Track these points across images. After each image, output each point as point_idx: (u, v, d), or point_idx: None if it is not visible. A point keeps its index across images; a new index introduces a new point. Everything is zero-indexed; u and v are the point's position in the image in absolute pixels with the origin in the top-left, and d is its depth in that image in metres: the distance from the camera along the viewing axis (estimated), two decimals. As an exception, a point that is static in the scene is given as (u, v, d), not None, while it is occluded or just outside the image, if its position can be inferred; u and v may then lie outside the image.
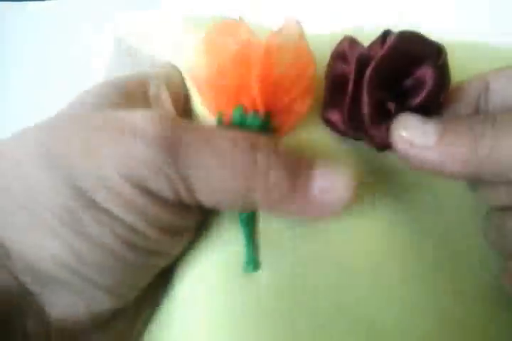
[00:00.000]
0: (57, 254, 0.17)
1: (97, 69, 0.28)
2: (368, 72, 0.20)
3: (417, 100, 0.20)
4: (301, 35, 0.23)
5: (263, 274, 0.18)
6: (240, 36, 0.23)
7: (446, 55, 0.20)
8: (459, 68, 0.21)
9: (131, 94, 0.22)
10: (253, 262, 0.18)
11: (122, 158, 0.17)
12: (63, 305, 0.18)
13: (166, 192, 0.17)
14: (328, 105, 0.23)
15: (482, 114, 0.19)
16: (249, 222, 0.20)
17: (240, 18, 0.24)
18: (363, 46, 0.21)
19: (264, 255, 0.19)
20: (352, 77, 0.21)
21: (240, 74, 0.22)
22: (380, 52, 0.20)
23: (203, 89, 0.23)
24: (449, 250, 0.22)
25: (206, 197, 0.18)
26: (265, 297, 0.18)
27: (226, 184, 0.18)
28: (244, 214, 0.20)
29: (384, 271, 0.21)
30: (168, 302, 0.21)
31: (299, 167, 0.19)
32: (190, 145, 0.17)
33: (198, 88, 0.23)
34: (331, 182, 0.19)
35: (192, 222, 0.20)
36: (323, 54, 0.23)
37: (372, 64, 0.20)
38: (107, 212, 0.17)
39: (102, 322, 0.19)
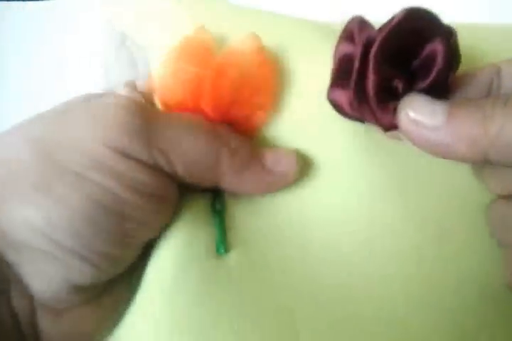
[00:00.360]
0: (29, 217, 0.17)
1: (96, 69, 0.29)
2: (374, 48, 0.19)
3: (427, 80, 0.19)
4: (260, 49, 0.23)
5: (232, 255, 0.20)
6: (198, 57, 0.23)
7: (456, 35, 0.19)
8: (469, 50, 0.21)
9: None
10: (223, 244, 0.20)
11: (102, 127, 0.18)
12: (42, 274, 0.18)
13: (145, 156, 0.19)
14: (334, 86, 0.22)
15: (492, 95, 0.19)
16: (221, 209, 0.22)
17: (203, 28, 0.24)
18: (373, 27, 0.20)
19: (233, 238, 0.21)
20: (358, 58, 0.19)
21: (196, 95, 0.23)
22: (386, 28, 0.19)
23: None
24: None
25: (180, 165, 0.20)
26: (235, 276, 0.20)
27: (195, 150, 0.20)
28: (217, 202, 0.22)
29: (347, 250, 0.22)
30: (142, 281, 0.21)
31: (252, 144, 0.22)
32: (161, 119, 0.20)
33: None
34: (280, 156, 0.22)
35: (171, 194, 0.20)
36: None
37: (378, 40, 0.19)
38: (77, 173, 0.18)
39: (87, 298, 0.20)
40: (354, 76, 0.19)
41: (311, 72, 0.24)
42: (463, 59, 0.20)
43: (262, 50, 0.23)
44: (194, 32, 0.24)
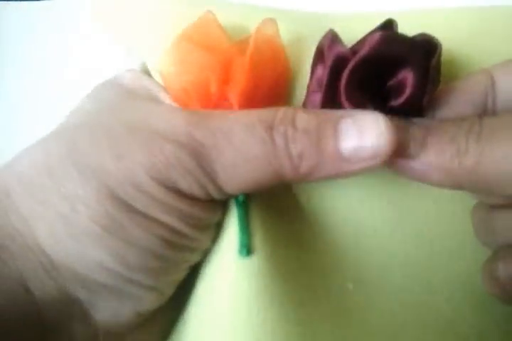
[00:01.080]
0: (103, 261, 0.17)
1: (96, 68, 0.28)
2: (345, 75, 0.18)
3: (397, 103, 0.19)
4: (278, 37, 0.22)
5: (256, 258, 0.19)
6: (212, 42, 0.21)
7: (439, 54, 0.19)
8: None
9: (132, 93, 0.22)
10: (246, 247, 0.19)
11: (152, 162, 0.17)
12: (110, 308, 0.18)
13: (196, 190, 0.18)
14: (306, 106, 0.21)
15: (469, 119, 0.18)
16: (243, 212, 0.20)
17: (211, 14, 0.22)
18: (342, 45, 0.19)
19: (257, 241, 0.20)
20: (325, 82, 0.19)
21: (221, 81, 0.20)
22: (359, 54, 0.18)
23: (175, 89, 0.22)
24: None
25: (234, 188, 0.18)
26: (260, 279, 0.18)
27: (254, 174, 0.18)
28: (239, 205, 0.20)
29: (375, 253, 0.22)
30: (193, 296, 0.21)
31: (321, 130, 0.18)
32: (212, 146, 0.18)
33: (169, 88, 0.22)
34: (359, 136, 0.17)
35: (218, 216, 0.20)
36: None
37: (350, 66, 0.18)
38: (145, 215, 0.17)
39: (145, 319, 0.20)
40: (322, 103, 0.19)
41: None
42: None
43: (279, 37, 0.22)
44: (201, 18, 0.22)
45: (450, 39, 0.22)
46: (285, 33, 0.22)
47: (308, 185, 0.22)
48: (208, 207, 0.19)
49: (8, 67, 0.32)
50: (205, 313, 0.19)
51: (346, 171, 0.18)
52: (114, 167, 0.17)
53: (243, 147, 0.18)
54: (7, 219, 0.17)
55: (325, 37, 0.20)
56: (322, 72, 0.20)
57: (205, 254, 0.20)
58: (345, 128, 0.18)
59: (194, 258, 0.20)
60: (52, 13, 0.31)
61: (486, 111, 0.20)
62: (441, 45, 0.19)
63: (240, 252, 0.19)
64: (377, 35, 0.18)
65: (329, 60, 0.19)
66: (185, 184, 0.18)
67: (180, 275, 0.20)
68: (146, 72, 0.24)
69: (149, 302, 0.19)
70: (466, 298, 0.21)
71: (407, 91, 0.19)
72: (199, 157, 0.18)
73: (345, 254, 0.22)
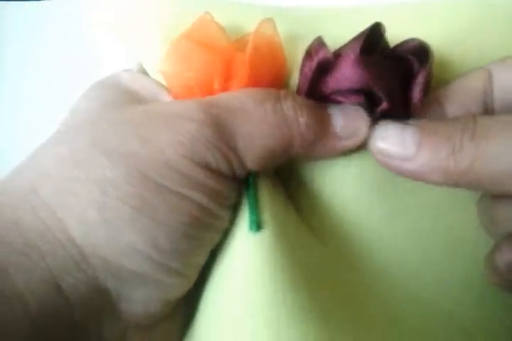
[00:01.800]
0: (134, 243, 0.17)
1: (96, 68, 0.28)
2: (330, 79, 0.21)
3: (383, 108, 0.20)
4: (276, 35, 0.23)
5: (266, 233, 0.19)
6: (212, 40, 0.22)
7: (431, 59, 0.20)
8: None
9: (132, 93, 0.23)
10: (256, 223, 0.19)
11: (179, 140, 0.18)
12: (139, 298, 0.18)
13: (222, 165, 0.19)
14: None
15: (464, 119, 0.19)
16: (253, 189, 0.21)
17: (209, 16, 0.23)
18: (327, 51, 0.21)
19: (266, 218, 0.20)
20: (306, 86, 0.21)
21: (223, 78, 0.21)
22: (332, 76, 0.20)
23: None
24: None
25: (254, 160, 0.19)
26: (271, 252, 0.18)
27: (269, 141, 0.19)
28: (249, 185, 0.21)
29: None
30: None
31: (318, 109, 0.21)
32: (228, 120, 0.19)
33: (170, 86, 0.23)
34: (349, 119, 0.20)
35: (236, 195, 0.20)
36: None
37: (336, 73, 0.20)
38: (175, 193, 0.18)
39: (172, 309, 0.20)
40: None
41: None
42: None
43: (277, 35, 0.23)
44: (199, 19, 0.23)
45: (447, 31, 0.23)
46: (281, 33, 0.23)
47: (312, 168, 0.23)
48: (232, 185, 0.19)
49: (8, 67, 0.32)
50: (219, 290, 0.19)
51: (339, 147, 0.21)
52: (142, 149, 0.18)
53: (257, 119, 0.19)
54: (35, 217, 0.17)
55: (314, 42, 0.21)
56: (309, 72, 0.21)
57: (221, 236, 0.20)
58: (334, 112, 0.21)
59: (216, 238, 0.20)
60: (53, 13, 0.31)
61: (485, 109, 0.20)
62: (432, 50, 0.20)
63: (250, 227, 0.19)
64: (351, 60, 0.20)
65: (315, 62, 0.21)
66: (212, 158, 0.18)
67: (203, 258, 0.20)
68: (143, 73, 0.25)
69: (176, 288, 0.19)
70: (468, 294, 0.22)
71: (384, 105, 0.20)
72: (220, 131, 0.18)
73: (346, 240, 0.23)
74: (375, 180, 0.22)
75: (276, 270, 0.18)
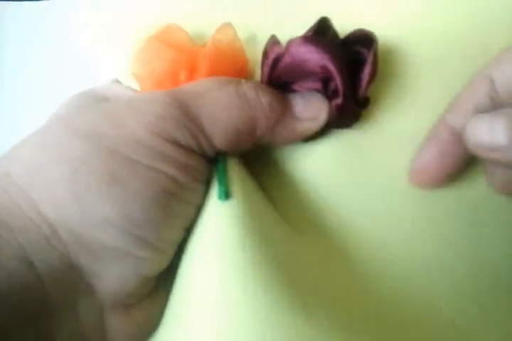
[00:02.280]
0: (107, 216, 0.17)
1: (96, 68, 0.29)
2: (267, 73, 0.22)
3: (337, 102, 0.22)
4: (236, 37, 0.24)
5: (234, 201, 0.20)
6: (178, 43, 0.24)
7: (375, 48, 0.21)
8: None
9: (104, 97, 0.23)
10: (225, 192, 0.20)
11: (147, 120, 0.19)
12: (114, 274, 0.18)
13: (190, 141, 0.19)
14: None
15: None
16: (222, 164, 0.21)
17: (175, 25, 0.25)
18: (280, 47, 0.22)
19: (235, 190, 0.20)
20: (265, 81, 0.23)
21: (188, 71, 0.23)
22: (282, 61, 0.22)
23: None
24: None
25: (222, 139, 0.20)
26: (239, 220, 0.19)
27: (233, 122, 0.20)
28: (219, 161, 0.21)
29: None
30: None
31: (279, 93, 0.22)
32: (193, 102, 0.20)
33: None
34: (308, 101, 0.22)
35: (208, 172, 0.21)
36: None
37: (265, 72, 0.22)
38: (147, 166, 0.18)
39: (150, 290, 0.20)
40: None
41: None
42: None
43: (237, 38, 0.24)
44: (166, 26, 0.25)
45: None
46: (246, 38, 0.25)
47: (281, 156, 0.25)
48: (202, 161, 0.20)
49: (8, 67, 0.32)
50: (192, 259, 0.19)
51: (300, 129, 0.22)
52: (112, 131, 0.18)
53: (220, 101, 0.20)
54: (6, 196, 0.17)
55: (268, 41, 0.23)
56: (266, 69, 0.23)
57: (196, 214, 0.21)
58: (294, 98, 0.22)
59: (190, 213, 0.20)
60: (53, 13, 0.32)
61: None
62: (377, 39, 0.22)
63: (220, 196, 0.19)
64: (298, 40, 0.21)
65: (270, 59, 0.22)
66: (180, 135, 0.19)
67: (178, 234, 0.20)
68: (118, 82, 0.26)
69: (151, 264, 0.19)
70: (468, 298, 0.22)
71: (340, 93, 0.21)
72: (185, 111, 0.19)
73: (312, 212, 0.24)
74: (343, 160, 0.24)
75: (245, 234, 0.18)
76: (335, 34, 0.23)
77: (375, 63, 0.22)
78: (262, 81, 0.23)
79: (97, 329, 0.18)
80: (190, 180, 0.19)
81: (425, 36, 0.24)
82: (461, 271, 0.22)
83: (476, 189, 0.22)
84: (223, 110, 0.20)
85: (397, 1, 0.25)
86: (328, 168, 0.24)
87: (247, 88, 0.21)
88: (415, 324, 0.21)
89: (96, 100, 0.23)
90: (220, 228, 0.18)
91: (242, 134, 0.20)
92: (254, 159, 0.24)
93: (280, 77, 0.22)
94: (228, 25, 0.24)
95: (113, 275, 0.18)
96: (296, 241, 0.22)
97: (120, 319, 0.19)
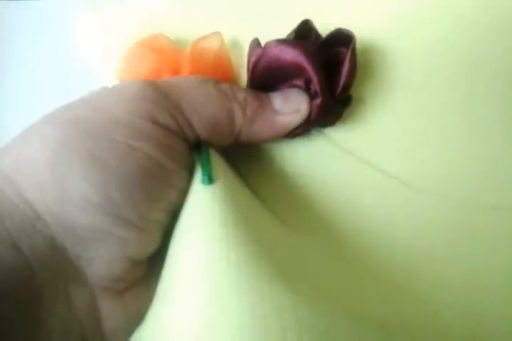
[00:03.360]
0: (87, 195, 0.18)
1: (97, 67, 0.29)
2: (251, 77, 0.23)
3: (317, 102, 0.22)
4: (222, 45, 0.25)
5: (217, 185, 0.20)
6: (162, 48, 0.25)
7: (353, 46, 0.22)
8: None
9: None
10: (208, 177, 0.20)
11: (124, 99, 0.19)
12: (101, 257, 0.18)
13: (169, 120, 0.20)
14: None
15: None
16: (206, 152, 0.21)
17: (161, 32, 0.26)
18: (260, 50, 0.22)
19: (218, 174, 0.21)
20: (248, 83, 0.23)
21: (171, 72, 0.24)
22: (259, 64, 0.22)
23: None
24: None
25: (201, 123, 0.20)
26: (222, 202, 0.19)
27: (211, 109, 0.21)
28: (202, 149, 0.22)
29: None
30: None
31: (254, 91, 0.23)
32: (172, 90, 0.20)
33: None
34: (287, 94, 0.23)
35: (190, 157, 0.21)
36: None
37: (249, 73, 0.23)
38: (125, 145, 0.18)
39: (141, 275, 0.20)
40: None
41: None
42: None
43: (223, 45, 0.25)
44: (151, 34, 0.26)
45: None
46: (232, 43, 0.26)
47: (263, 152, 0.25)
48: (182, 144, 0.20)
49: (9, 66, 0.32)
50: (180, 240, 0.19)
51: (280, 123, 0.22)
52: (92, 114, 0.19)
53: (199, 91, 0.21)
54: None
55: (250, 44, 0.23)
56: (248, 72, 0.23)
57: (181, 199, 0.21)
58: (274, 94, 0.23)
59: (172, 195, 0.20)
60: (54, 12, 0.32)
61: None
62: (355, 37, 0.22)
63: (203, 181, 0.20)
64: (272, 42, 0.22)
65: (251, 61, 0.23)
66: (159, 114, 0.19)
67: (162, 216, 0.20)
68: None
69: (136, 244, 0.19)
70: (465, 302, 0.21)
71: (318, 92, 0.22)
72: (164, 94, 0.20)
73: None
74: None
75: (228, 213, 0.18)
76: (317, 36, 0.23)
77: (353, 61, 0.22)
78: (246, 85, 0.24)
79: (90, 316, 0.18)
80: (170, 161, 0.19)
81: (409, 35, 0.24)
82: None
83: None
84: (201, 98, 0.21)
85: (380, 1, 0.26)
86: (313, 165, 0.24)
87: (223, 85, 0.22)
88: (408, 313, 0.21)
89: None
90: (204, 209, 0.18)
91: (220, 122, 0.21)
92: (241, 158, 0.24)
93: (261, 79, 0.23)
94: (216, 33, 0.25)
95: (99, 258, 0.18)
96: (279, 227, 0.22)
97: (113, 305, 0.19)
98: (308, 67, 0.21)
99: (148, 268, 0.20)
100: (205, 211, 0.18)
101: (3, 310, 0.16)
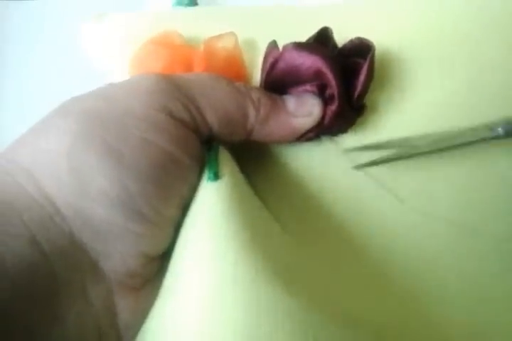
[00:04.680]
0: (103, 188, 0.17)
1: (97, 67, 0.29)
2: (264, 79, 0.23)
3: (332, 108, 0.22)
4: (236, 45, 0.25)
5: (223, 182, 0.20)
6: (174, 44, 0.24)
7: (372, 55, 0.22)
8: None
9: None
10: (214, 173, 0.20)
11: (138, 92, 0.19)
12: (117, 252, 0.18)
13: (183, 113, 0.20)
14: None
15: None
16: (215, 150, 0.21)
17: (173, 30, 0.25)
18: (278, 51, 0.23)
19: (224, 171, 0.21)
20: (263, 84, 0.23)
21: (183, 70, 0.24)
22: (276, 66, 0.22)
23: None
24: None
25: (214, 116, 0.20)
26: (225, 199, 0.19)
27: (224, 103, 0.21)
28: (212, 147, 0.22)
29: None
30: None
31: (268, 92, 0.23)
32: (185, 83, 0.20)
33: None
34: (302, 98, 0.23)
35: (202, 152, 0.21)
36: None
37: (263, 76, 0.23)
38: (140, 138, 0.18)
39: (155, 271, 0.20)
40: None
41: None
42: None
43: (237, 46, 0.25)
44: (162, 32, 0.25)
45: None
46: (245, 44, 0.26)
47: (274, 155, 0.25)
48: (196, 138, 0.20)
49: (8, 66, 0.32)
50: (186, 237, 0.19)
51: (293, 125, 0.22)
52: (105, 105, 0.19)
53: (212, 86, 0.21)
54: (9, 178, 0.18)
55: (268, 46, 0.23)
56: (264, 74, 0.23)
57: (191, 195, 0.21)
58: (287, 96, 0.23)
59: (184, 190, 0.20)
60: (53, 11, 0.32)
61: None
62: (374, 47, 0.22)
63: (209, 177, 0.20)
64: (291, 45, 0.22)
65: (268, 62, 0.23)
66: (173, 106, 0.19)
67: (174, 212, 0.20)
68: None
69: (151, 240, 0.19)
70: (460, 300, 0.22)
71: (335, 98, 0.22)
72: (178, 86, 0.20)
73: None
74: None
75: (230, 211, 0.19)
76: (334, 44, 0.24)
77: (371, 70, 0.22)
78: (260, 86, 0.24)
79: (107, 311, 0.18)
80: (184, 156, 0.19)
81: (425, 45, 0.25)
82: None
83: None
84: (214, 91, 0.21)
85: (395, 11, 0.26)
86: (321, 171, 0.24)
87: (237, 83, 0.22)
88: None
89: None
90: (207, 206, 0.19)
91: (233, 117, 0.21)
92: (250, 160, 0.24)
93: (276, 81, 0.23)
94: (231, 33, 0.25)
95: (115, 253, 0.18)
96: (279, 230, 0.22)
97: (129, 301, 0.19)
98: (327, 71, 0.21)
99: (162, 265, 0.20)
100: (208, 208, 0.19)
101: (21, 305, 0.16)
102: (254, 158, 0.24)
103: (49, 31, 0.32)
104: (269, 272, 0.17)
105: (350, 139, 0.24)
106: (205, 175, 0.20)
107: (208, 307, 0.16)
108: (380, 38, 0.23)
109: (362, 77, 0.22)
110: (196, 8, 0.30)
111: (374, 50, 0.22)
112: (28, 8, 0.33)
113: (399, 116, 0.24)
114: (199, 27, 0.26)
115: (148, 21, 0.27)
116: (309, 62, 0.21)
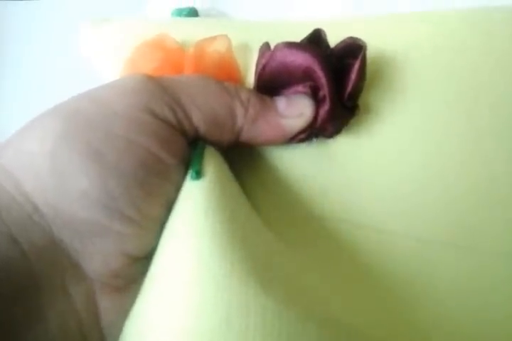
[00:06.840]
0: (85, 189, 0.17)
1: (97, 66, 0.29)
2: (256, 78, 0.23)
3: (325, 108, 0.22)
4: (229, 48, 0.25)
5: (205, 181, 0.19)
6: (166, 46, 0.25)
7: (363, 54, 0.21)
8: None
9: None
10: (196, 172, 0.19)
11: (122, 92, 0.19)
12: (99, 252, 0.18)
13: (167, 112, 0.19)
14: None
15: None
16: (201, 149, 0.21)
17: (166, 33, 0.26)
18: (269, 52, 0.22)
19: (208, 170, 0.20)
20: (254, 83, 0.23)
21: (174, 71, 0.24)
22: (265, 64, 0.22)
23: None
24: None
25: (199, 117, 0.20)
26: (209, 197, 0.19)
27: (211, 103, 0.20)
28: (198, 146, 0.21)
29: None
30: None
31: (258, 93, 0.23)
32: (172, 83, 0.20)
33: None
34: (293, 98, 0.22)
35: (188, 153, 0.21)
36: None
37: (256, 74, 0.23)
38: (124, 138, 0.18)
39: (139, 272, 0.19)
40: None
41: None
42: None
43: (230, 49, 0.25)
44: (156, 35, 0.25)
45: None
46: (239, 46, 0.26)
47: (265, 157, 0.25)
48: (180, 138, 0.20)
49: (8, 66, 0.33)
50: (165, 235, 0.19)
51: (284, 125, 0.22)
52: (91, 106, 0.19)
53: (199, 86, 0.21)
54: None
55: (261, 47, 0.23)
56: (256, 75, 0.23)
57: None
58: (278, 97, 0.23)
59: (169, 191, 0.20)
60: (53, 11, 0.33)
61: None
62: (366, 46, 0.22)
63: (192, 176, 0.19)
64: (281, 44, 0.21)
65: (260, 63, 0.22)
66: (158, 107, 0.19)
67: (158, 212, 0.19)
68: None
69: (133, 240, 0.19)
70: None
71: (327, 98, 0.21)
72: (163, 87, 0.20)
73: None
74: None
75: (209, 211, 0.18)
76: (327, 45, 0.23)
77: (362, 69, 0.22)
78: (253, 88, 0.23)
79: (89, 311, 0.18)
80: (169, 156, 0.19)
81: (420, 44, 0.24)
82: None
83: None
84: (201, 91, 0.20)
85: (390, 29, 0.26)
86: (312, 172, 0.23)
87: (226, 83, 0.22)
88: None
89: None
90: (188, 204, 0.18)
91: (220, 117, 0.21)
92: (239, 161, 0.24)
93: (268, 82, 0.22)
94: (223, 36, 0.25)
95: (97, 253, 0.18)
96: (266, 231, 0.22)
97: (112, 301, 0.19)
98: (317, 69, 0.21)
99: (148, 266, 0.20)
100: (188, 206, 0.18)
101: (1, 300, 0.16)
102: (245, 160, 0.24)
103: (47, 31, 0.33)
104: (246, 268, 0.17)
105: (343, 140, 0.23)
106: (189, 174, 0.19)
107: (183, 304, 0.16)
108: (373, 39, 0.23)
109: (353, 76, 0.21)
110: (195, 18, 0.30)
111: (365, 50, 0.22)
112: (26, 8, 0.34)
113: (393, 117, 0.23)
114: (196, 34, 0.26)
115: (145, 27, 0.27)
116: (300, 59, 0.21)
